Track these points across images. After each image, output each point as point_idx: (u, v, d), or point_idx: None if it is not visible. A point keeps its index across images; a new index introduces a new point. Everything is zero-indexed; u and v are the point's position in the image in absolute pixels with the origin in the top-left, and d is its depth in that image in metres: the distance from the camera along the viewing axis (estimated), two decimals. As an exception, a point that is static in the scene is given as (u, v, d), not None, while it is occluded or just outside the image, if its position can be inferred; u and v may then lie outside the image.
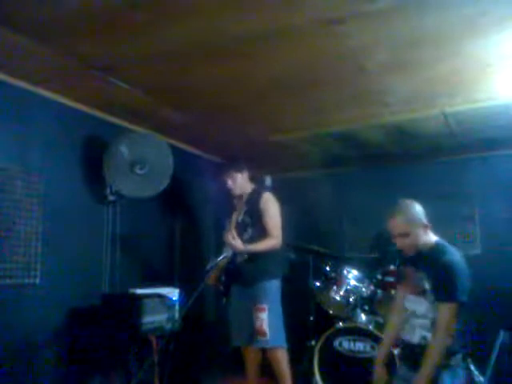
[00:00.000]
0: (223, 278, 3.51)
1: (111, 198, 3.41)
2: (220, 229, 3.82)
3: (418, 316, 2.40)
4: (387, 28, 2.38)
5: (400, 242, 2.42)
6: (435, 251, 2.39)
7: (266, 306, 3.34)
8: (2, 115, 2.86)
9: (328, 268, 3.92)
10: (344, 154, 4.84)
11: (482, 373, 3.48)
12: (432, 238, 2.46)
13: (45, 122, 3.11)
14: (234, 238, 3.26)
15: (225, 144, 4.47)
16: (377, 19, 2.29)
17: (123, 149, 3.33)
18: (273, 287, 3.44)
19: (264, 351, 3.48)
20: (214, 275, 3.47)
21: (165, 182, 3.49)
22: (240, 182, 3.57)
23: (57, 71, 2.84)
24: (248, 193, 3.59)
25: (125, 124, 3.72)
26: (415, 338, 2.40)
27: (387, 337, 2.68)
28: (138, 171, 3.34)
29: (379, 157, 4.87)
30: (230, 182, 3.55)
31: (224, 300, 3.52)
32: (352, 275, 3.82)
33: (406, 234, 2.38)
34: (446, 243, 2.47)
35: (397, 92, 3.22)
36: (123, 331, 2.98)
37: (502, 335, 3.49)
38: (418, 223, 2.41)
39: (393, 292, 3.63)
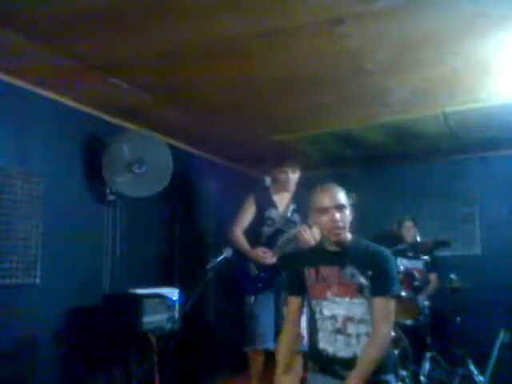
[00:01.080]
0: (263, 274, 3.39)
1: (111, 197, 3.41)
2: (220, 229, 3.81)
3: (357, 321, 2.03)
4: (387, 28, 2.38)
5: (339, 215, 2.06)
6: (362, 243, 2.12)
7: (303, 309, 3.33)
8: (1, 115, 2.86)
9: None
10: (344, 154, 4.84)
11: (482, 373, 3.49)
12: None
13: (45, 121, 3.11)
14: (309, 233, 3.19)
15: (225, 144, 4.47)
16: (377, 19, 2.29)
17: (121, 148, 3.33)
18: None
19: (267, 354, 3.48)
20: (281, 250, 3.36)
21: (164, 182, 3.48)
22: (296, 180, 3.52)
23: (57, 71, 2.84)
24: (293, 191, 3.55)
25: (125, 124, 3.72)
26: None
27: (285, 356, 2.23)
28: (136, 170, 3.34)
29: (379, 157, 4.87)
30: (290, 175, 3.47)
31: (252, 299, 3.43)
32: (352, 275, 3.81)
33: (345, 207, 2.10)
34: None
35: (397, 92, 3.22)
36: (123, 331, 2.98)
37: (502, 335, 3.49)
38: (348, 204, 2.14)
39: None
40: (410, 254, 4.08)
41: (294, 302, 2.25)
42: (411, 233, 4.29)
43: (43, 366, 2.93)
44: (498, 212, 4.52)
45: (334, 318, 2.07)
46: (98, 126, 3.51)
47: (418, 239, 4.26)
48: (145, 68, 2.81)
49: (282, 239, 3.39)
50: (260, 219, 3.51)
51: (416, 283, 3.66)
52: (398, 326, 3.62)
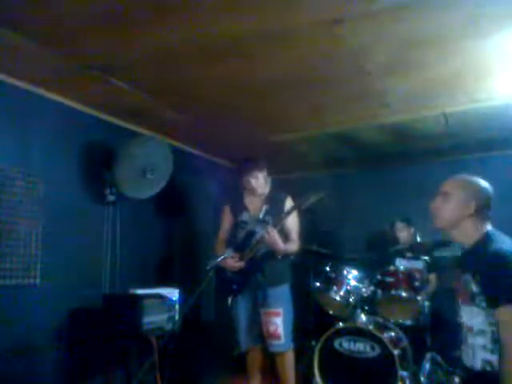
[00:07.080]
0: (237, 277, 3.40)
1: (111, 198, 3.41)
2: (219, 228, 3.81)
3: (476, 333, 1.87)
4: (387, 28, 2.38)
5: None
6: (482, 243, 2.00)
7: (281, 311, 3.32)
8: (1, 115, 2.86)
9: (328, 268, 3.92)
10: (344, 154, 4.84)
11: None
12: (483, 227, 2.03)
13: (44, 122, 3.11)
14: (276, 235, 3.21)
15: (225, 144, 4.47)
16: (377, 19, 2.29)
17: (135, 155, 3.31)
18: (287, 291, 3.43)
19: (266, 353, 3.48)
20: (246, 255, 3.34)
21: (164, 182, 3.50)
22: (262, 182, 3.49)
23: (57, 71, 2.84)
24: (267, 193, 3.53)
25: (125, 124, 3.72)
26: (476, 362, 1.87)
27: None
28: (149, 176, 3.36)
29: (379, 157, 4.87)
30: (253, 182, 3.44)
31: (230, 300, 3.45)
32: (352, 275, 3.81)
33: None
34: (496, 232, 2.08)
35: (397, 92, 3.22)
36: (123, 331, 2.98)
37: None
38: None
39: (393, 292, 3.63)
40: (410, 255, 4.08)
41: None
42: (403, 234, 4.26)
43: (43, 366, 2.93)
44: (497, 212, 4.51)
45: (461, 325, 2.00)
46: (97, 127, 3.51)
47: (418, 239, 4.26)
48: (145, 68, 2.81)
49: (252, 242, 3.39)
50: (235, 224, 3.55)
51: (416, 283, 3.66)
52: (398, 326, 3.62)
